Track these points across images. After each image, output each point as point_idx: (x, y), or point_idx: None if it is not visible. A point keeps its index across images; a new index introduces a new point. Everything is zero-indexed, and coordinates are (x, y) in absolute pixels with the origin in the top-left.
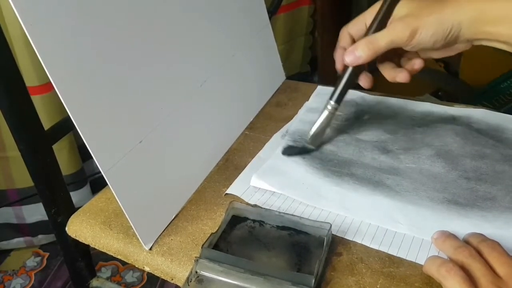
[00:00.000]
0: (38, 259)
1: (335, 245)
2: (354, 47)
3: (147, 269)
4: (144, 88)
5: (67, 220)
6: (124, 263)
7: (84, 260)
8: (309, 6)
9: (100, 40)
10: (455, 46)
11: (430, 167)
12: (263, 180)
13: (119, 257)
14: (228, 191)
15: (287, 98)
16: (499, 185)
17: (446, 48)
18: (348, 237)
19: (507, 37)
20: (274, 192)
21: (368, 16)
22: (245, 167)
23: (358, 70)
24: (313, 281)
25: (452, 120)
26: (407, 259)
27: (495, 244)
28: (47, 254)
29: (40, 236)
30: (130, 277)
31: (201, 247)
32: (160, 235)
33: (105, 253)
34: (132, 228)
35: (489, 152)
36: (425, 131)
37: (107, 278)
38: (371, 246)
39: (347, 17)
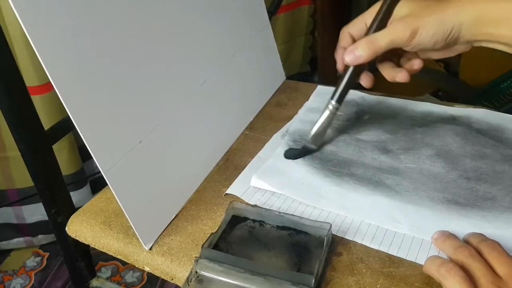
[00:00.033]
0: (38, 259)
1: (335, 245)
2: (354, 46)
3: (147, 269)
4: (144, 88)
5: (67, 220)
6: (124, 263)
7: (84, 260)
8: (309, 6)
9: (100, 40)
10: (455, 47)
11: (430, 167)
12: (263, 180)
13: (119, 257)
14: (228, 191)
15: (287, 98)
16: (499, 185)
17: (446, 49)
18: (348, 237)
19: (508, 39)
20: (274, 192)
21: (368, 16)
22: (245, 167)
23: (359, 69)
24: (313, 281)
25: (452, 120)
26: (407, 259)
27: (495, 244)
28: (47, 254)
29: (40, 236)
30: (130, 277)
31: (201, 247)
32: (160, 235)
33: (105, 253)
34: (132, 228)
35: (489, 152)
36: (425, 131)
37: (107, 278)
38: (371, 246)
39: (347, 17)
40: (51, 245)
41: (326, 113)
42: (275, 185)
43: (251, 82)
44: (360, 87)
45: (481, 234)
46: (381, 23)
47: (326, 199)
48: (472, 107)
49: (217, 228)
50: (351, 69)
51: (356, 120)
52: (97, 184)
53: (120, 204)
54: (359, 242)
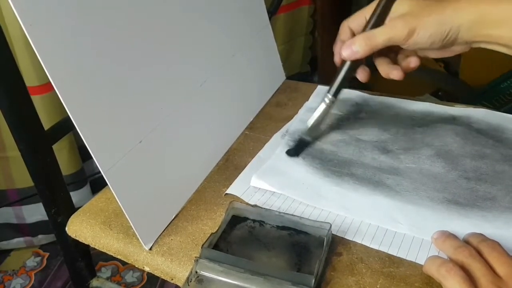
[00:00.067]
0: (38, 259)
1: (335, 245)
2: (351, 41)
3: (147, 269)
4: (144, 88)
5: (67, 220)
6: (124, 263)
7: (84, 260)
8: (309, 6)
9: (100, 40)
10: (453, 47)
11: (430, 167)
12: (263, 180)
13: (119, 257)
14: (228, 191)
15: (287, 98)
16: (499, 185)
17: (444, 49)
18: (348, 237)
19: (507, 40)
20: (274, 192)
21: (368, 11)
22: (245, 167)
23: (355, 64)
24: (313, 281)
25: (452, 120)
26: (407, 259)
27: (495, 244)
28: (47, 254)
29: (40, 236)
30: (130, 277)
31: (201, 247)
32: (160, 235)
33: (105, 253)
34: (132, 228)
35: (489, 152)
36: (425, 131)
37: (107, 278)
38: (371, 246)
39: (347, 17)
40: (51, 245)
41: (322, 106)
42: (275, 185)
43: (251, 82)
44: (360, 86)
45: (481, 234)
46: (379, 19)
47: (326, 199)
48: (472, 107)
49: (217, 228)
50: (348, 63)
51: (356, 120)
52: (97, 184)
53: (120, 204)
54: (359, 242)
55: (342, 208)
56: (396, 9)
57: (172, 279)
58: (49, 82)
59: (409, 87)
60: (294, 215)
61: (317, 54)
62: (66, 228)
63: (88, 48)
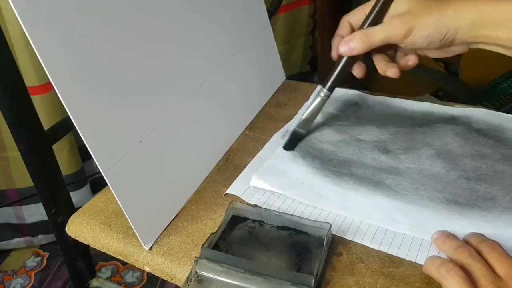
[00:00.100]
0: (38, 259)
1: (335, 245)
2: (349, 38)
3: (147, 269)
4: (144, 88)
5: (67, 220)
6: (124, 263)
7: (84, 260)
8: (309, 6)
9: (100, 40)
10: (451, 48)
11: (430, 167)
12: (263, 180)
13: (119, 257)
14: (228, 191)
15: (287, 98)
16: (499, 185)
17: (443, 49)
18: (348, 237)
19: (505, 41)
20: (274, 192)
21: (368, 7)
22: (245, 167)
23: (352, 60)
24: (313, 281)
25: (452, 120)
26: (407, 259)
27: (495, 244)
28: (47, 254)
29: (40, 236)
30: (130, 277)
31: (201, 247)
32: (160, 235)
33: (105, 253)
34: (132, 228)
35: (489, 152)
36: (425, 131)
37: (107, 278)
38: (371, 246)
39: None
40: (51, 245)
41: (317, 100)
42: (275, 185)
43: (251, 82)
44: (359, 87)
45: (481, 234)
46: (377, 16)
47: (326, 199)
48: (472, 107)
49: (217, 228)
50: (344, 59)
51: (356, 120)
52: (97, 184)
53: (120, 204)
54: (359, 242)
55: (342, 208)
56: (395, 7)
57: (172, 279)
58: (49, 82)
59: (409, 87)
60: (294, 215)
61: (317, 54)
62: (66, 228)
63: (88, 48)
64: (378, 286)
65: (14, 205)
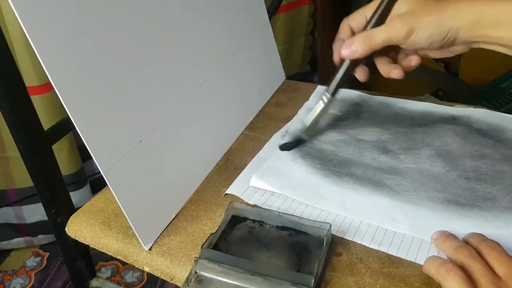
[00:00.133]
0: (38, 259)
1: (335, 245)
2: (351, 41)
3: (146, 269)
4: (144, 88)
5: (67, 220)
6: (124, 263)
7: (84, 260)
8: (309, 6)
9: (100, 40)
10: (452, 48)
11: (430, 167)
12: (263, 180)
13: (118, 257)
14: (228, 191)
15: (287, 98)
16: (499, 185)
17: (444, 49)
18: (348, 237)
19: (507, 40)
20: (274, 192)
21: (369, 10)
22: (245, 167)
23: (355, 63)
24: (313, 281)
25: (452, 120)
26: (406, 259)
27: (495, 244)
28: (47, 254)
29: (40, 236)
30: (130, 277)
31: (201, 247)
32: (159, 235)
33: (105, 253)
34: (132, 228)
35: (489, 152)
36: (425, 131)
37: (107, 278)
38: (371, 246)
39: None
40: (51, 245)
41: (320, 105)
42: (275, 185)
43: (251, 82)
44: (359, 86)
45: (481, 234)
46: (380, 19)
47: (326, 199)
48: (472, 107)
49: (216, 228)
50: (347, 62)
51: (356, 120)
52: (97, 184)
53: (120, 204)
54: (359, 242)
55: (342, 208)
56: (396, 8)
57: (171, 279)
58: (49, 82)
59: (409, 87)
60: (294, 215)
61: (317, 54)
62: (66, 228)
63: (88, 48)
64: (377, 286)
65: (14, 205)
